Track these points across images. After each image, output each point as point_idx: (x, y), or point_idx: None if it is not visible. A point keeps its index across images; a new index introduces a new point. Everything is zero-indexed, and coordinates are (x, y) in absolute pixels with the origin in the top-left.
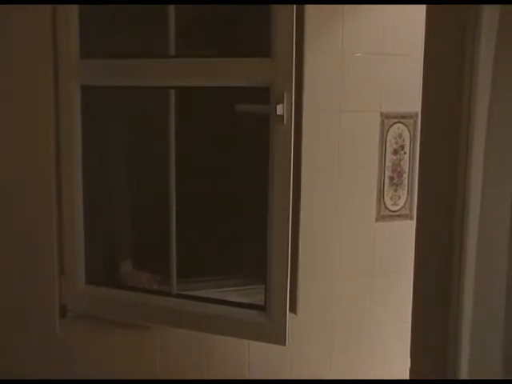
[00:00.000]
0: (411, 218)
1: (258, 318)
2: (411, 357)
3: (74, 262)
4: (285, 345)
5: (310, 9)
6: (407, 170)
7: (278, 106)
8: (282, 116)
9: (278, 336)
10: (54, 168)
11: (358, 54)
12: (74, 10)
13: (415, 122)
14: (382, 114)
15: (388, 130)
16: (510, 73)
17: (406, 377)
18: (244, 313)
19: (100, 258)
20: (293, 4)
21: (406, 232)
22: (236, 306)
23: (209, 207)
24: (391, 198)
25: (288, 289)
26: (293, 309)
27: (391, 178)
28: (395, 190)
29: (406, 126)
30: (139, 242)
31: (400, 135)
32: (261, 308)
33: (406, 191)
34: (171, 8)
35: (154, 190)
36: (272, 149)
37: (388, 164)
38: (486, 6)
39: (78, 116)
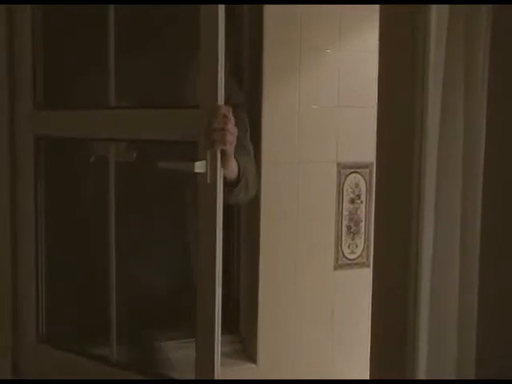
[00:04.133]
0: (368, 266)
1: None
2: None
3: (26, 320)
4: None
5: (267, 59)
6: (364, 219)
7: (196, 164)
8: (203, 174)
9: None
10: (8, 228)
11: (315, 107)
12: (28, 59)
13: (371, 172)
14: (338, 165)
15: (345, 180)
16: (455, 125)
17: None
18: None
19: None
20: (217, 52)
21: (364, 280)
22: None
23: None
24: (349, 247)
25: (216, 348)
26: (253, 359)
27: (348, 227)
28: (352, 239)
29: (361, 175)
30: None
31: (356, 185)
32: None
33: (363, 239)
34: (111, 57)
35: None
36: (199, 210)
37: (345, 213)
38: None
39: (32, 167)
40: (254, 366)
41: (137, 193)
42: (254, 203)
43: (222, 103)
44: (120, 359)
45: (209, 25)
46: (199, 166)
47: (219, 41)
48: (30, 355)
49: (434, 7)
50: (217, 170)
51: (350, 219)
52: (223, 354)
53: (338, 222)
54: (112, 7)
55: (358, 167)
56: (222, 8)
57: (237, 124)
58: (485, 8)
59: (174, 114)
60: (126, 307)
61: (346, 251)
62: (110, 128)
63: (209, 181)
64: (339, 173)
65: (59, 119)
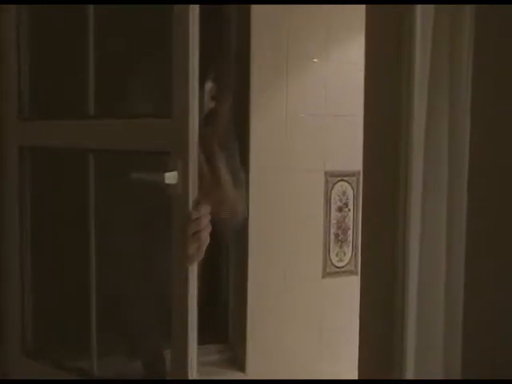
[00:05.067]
0: (356, 274)
1: None
2: None
3: (11, 333)
4: None
5: (255, 68)
6: (351, 227)
7: (166, 175)
8: (175, 185)
9: None
10: None
11: (302, 115)
12: (13, 70)
13: (358, 180)
14: (326, 173)
15: (332, 188)
16: (440, 131)
17: None
18: None
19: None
20: (188, 61)
21: (352, 287)
22: None
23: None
24: (337, 255)
25: (190, 356)
26: (242, 368)
27: (336, 235)
28: (340, 247)
29: (349, 183)
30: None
31: (344, 193)
32: None
33: (350, 247)
34: (91, 66)
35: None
36: (171, 221)
37: (333, 221)
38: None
39: (16, 178)
40: (242, 374)
41: (117, 204)
42: None
43: (195, 112)
44: (104, 373)
45: (180, 31)
46: (170, 177)
47: (190, 49)
48: (16, 369)
49: (419, 8)
50: (188, 180)
51: (338, 227)
52: (212, 363)
53: (326, 230)
54: (92, 19)
55: (346, 175)
56: (194, 11)
57: (230, 160)
58: (469, 9)
59: (145, 124)
60: (109, 318)
61: (334, 259)
62: (87, 138)
63: (180, 192)
64: (327, 181)
65: (43, 129)
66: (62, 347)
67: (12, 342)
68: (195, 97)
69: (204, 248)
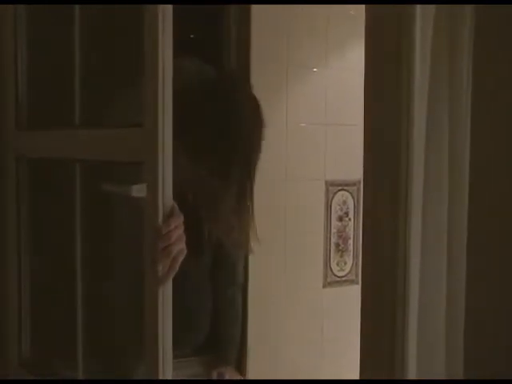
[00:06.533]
0: (357, 283)
1: None
2: None
3: (7, 342)
4: None
5: (255, 78)
6: (352, 236)
7: (133, 187)
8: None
9: None
10: None
11: (303, 125)
12: (10, 80)
13: (358, 189)
14: (326, 182)
15: (333, 198)
16: (440, 137)
17: None
18: None
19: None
20: (157, 65)
21: (353, 297)
22: None
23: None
24: (337, 264)
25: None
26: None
27: (337, 244)
28: (341, 256)
29: (349, 192)
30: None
31: (344, 202)
32: None
33: (351, 256)
34: (77, 77)
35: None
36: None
37: (333, 230)
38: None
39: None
40: None
41: (97, 217)
42: None
43: (167, 121)
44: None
45: (150, 33)
46: (138, 190)
47: (159, 52)
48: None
49: (418, 8)
50: (157, 192)
51: (339, 236)
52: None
53: (327, 239)
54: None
55: (346, 185)
56: (164, 11)
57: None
58: (469, 11)
59: (118, 134)
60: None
61: (335, 268)
62: (73, 148)
63: (149, 206)
64: (327, 190)
65: (37, 139)
66: (54, 359)
67: (9, 353)
68: (168, 105)
69: (178, 263)
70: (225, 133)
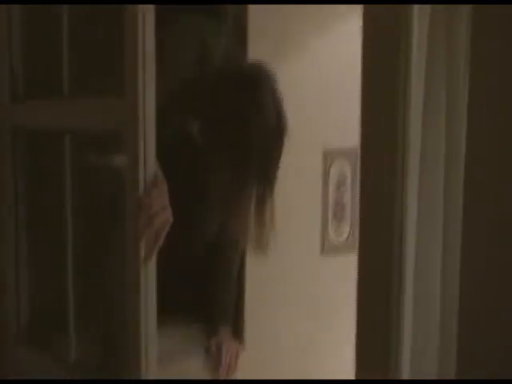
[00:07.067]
0: (354, 251)
1: None
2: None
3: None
4: None
5: (251, 52)
6: (349, 204)
7: (114, 157)
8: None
9: None
10: None
11: (300, 93)
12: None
13: (356, 157)
14: (324, 150)
15: (330, 165)
16: (437, 112)
17: None
18: None
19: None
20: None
21: (350, 264)
22: None
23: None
24: (335, 232)
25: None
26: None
27: (334, 212)
28: (339, 224)
29: (347, 160)
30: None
31: (342, 170)
32: None
33: (349, 224)
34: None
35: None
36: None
37: (331, 198)
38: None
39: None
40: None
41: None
42: None
43: (149, 92)
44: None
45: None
46: (119, 160)
47: (139, 23)
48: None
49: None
50: (138, 163)
51: (336, 204)
52: None
53: (324, 207)
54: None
55: (344, 153)
56: None
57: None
58: (465, 9)
59: (101, 104)
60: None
61: (333, 236)
62: (62, 118)
63: (128, 176)
64: (325, 158)
65: (31, 110)
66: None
67: (7, 329)
68: (150, 75)
69: (162, 235)
70: (248, 129)
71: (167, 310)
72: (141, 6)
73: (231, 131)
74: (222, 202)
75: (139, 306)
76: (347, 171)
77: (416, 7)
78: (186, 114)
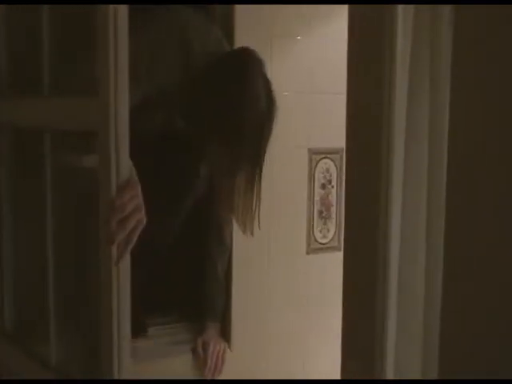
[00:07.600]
0: (340, 250)
1: None
2: None
3: None
4: None
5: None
6: (335, 204)
7: (85, 158)
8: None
9: None
10: None
11: (286, 93)
12: None
13: (341, 157)
14: (309, 150)
15: (316, 166)
16: (422, 114)
17: None
18: None
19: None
20: (108, 32)
21: (335, 263)
22: None
23: None
24: (320, 231)
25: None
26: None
27: (320, 212)
28: (324, 223)
29: (332, 160)
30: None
31: (327, 170)
32: None
33: (334, 224)
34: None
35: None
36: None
37: (316, 198)
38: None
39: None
40: (228, 350)
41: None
42: None
43: (122, 90)
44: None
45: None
46: (91, 161)
47: (110, 20)
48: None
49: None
50: (110, 163)
51: (322, 204)
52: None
53: (310, 207)
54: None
55: (329, 153)
56: None
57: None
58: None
59: (75, 104)
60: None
61: (318, 236)
62: (42, 117)
63: (101, 177)
64: (310, 158)
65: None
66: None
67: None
68: (124, 74)
69: (135, 235)
70: (236, 115)
71: (153, 310)
72: (112, 5)
73: (222, 116)
74: (210, 190)
75: (111, 306)
76: (333, 171)
77: (400, 7)
78: (174, 105)
